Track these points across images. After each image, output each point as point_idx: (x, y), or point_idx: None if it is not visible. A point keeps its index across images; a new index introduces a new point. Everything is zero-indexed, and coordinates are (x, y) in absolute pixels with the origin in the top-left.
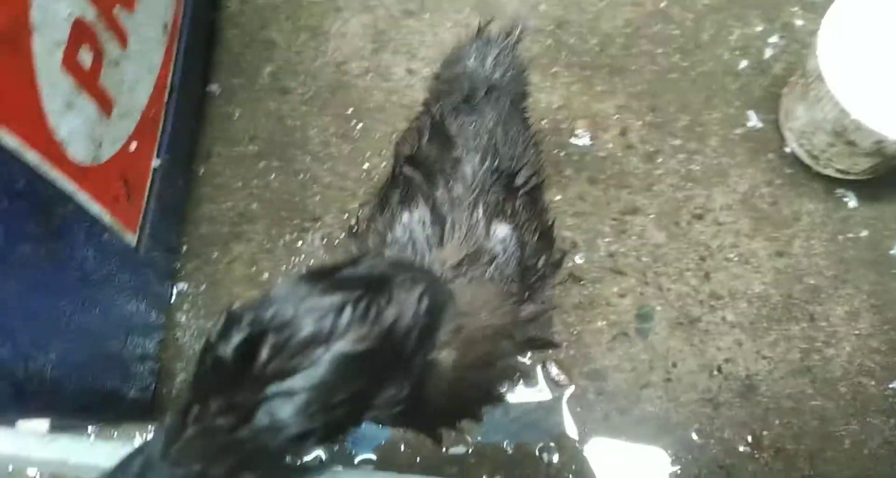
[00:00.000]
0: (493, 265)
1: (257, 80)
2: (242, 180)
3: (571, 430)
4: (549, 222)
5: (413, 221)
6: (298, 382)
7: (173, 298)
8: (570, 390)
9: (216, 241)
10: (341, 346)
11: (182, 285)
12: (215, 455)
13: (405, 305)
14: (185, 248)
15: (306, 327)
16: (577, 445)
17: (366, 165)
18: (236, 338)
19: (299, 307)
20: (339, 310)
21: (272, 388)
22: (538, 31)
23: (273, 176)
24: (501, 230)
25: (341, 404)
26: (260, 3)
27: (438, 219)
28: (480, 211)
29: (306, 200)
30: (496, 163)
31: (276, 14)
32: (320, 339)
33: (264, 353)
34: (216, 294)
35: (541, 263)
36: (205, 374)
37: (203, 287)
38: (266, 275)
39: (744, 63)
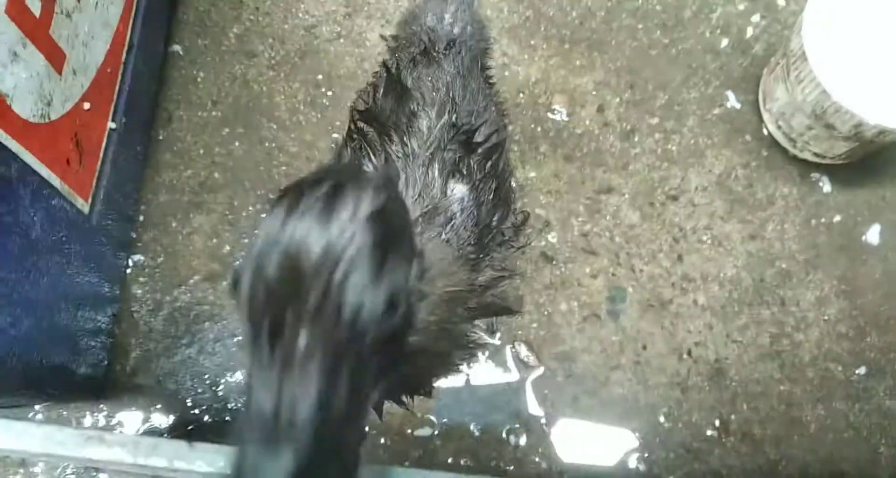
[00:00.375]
0: (450, 226)
1: (223, 41)
2: (205, 147)
3: (539, 412)
4: (509, 183)
5: None
6: None
7: (129, 269)
8: (539, 371)
9: (175, 210)
10: None
11: (138, 257)
12: None
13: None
14: (142, 217)
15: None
16: (544, 427)
17: (335, 135)
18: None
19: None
20: None
21: None
22: (518, 1)
23: (237, 144)
24: (459, 190)
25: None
26: None
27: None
28: (437, 168)
29: (272, 169)
30: (454, 118)
31: None
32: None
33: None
34: (174, 266)
35: (500, 224)
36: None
37: (161, 259)
38: (227, 248)
39: (725, 42)
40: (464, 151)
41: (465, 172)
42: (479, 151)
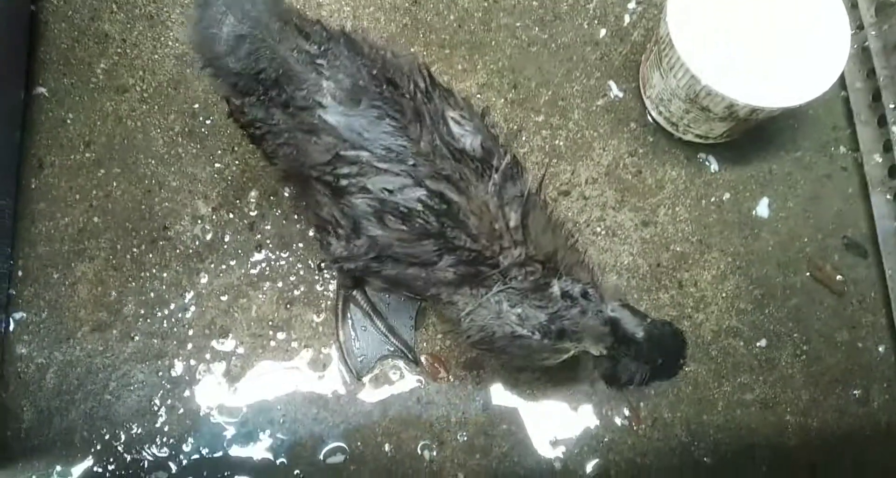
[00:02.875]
0: None
1: (90, 78)
2: (81, 192)
3: (451, 422)
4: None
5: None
6: None
7: (10, 329)
8: (448, 381)
9: (56, 261)
10: None
11: (19, 314)
12: None
13: None
14: (20, 272)
15: None
16: (458, 438)
17: (217, 165)
18: None
19: None
20: None
21: None
22: (394, 9)
23: (115, 184)
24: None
25: None
26: None
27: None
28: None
29: (153, 207)
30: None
31: (108, 2)
32: None
33: None
34: (60, 320)
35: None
36: None
37: (44, 314)
38: (114, 294)
39: (603, 32)
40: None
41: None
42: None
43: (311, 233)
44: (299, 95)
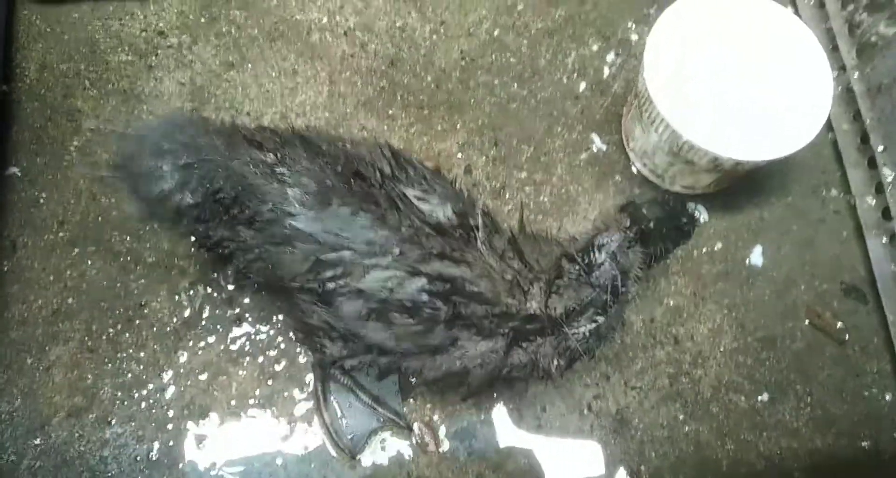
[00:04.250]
0: None
1: (63, 156)
2: (55, 273)
3: None
4: None
5: None
6: None
7: None
8: (439, 453)
9: (29, 346)
10: None
11: None
12: None
13: None
14: None
15: None
16: None
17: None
18: None
19: None
20: None
21: None
22: (371, 73)
23: (89, 263)
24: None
25: None
26: (62, 69)
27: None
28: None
29: (129, 285)
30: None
31: (80, 79)
32: None
33: None
34: (34, 407)
35: None
36: None
37: (17, 401)
38: (90, 378)
39: (583, 85)
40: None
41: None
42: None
43: (293, 337)
44: (264, 209)
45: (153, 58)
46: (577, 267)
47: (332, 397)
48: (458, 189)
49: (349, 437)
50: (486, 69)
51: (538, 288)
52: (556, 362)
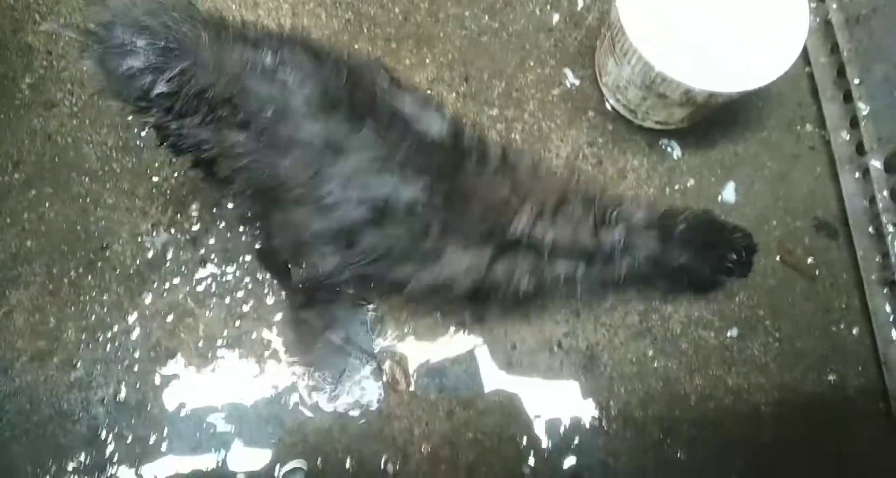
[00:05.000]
0: None
1: (15, 94)
2: (11, 215)
3: (415, 434)
4: None
5: None
6: None
7: None
8: (410, 391)
9: None
10: None
11: None
12: None
13: None
14: None
15: None
16: (422, 450)
17: (155, 178)
18: None
19: None
20: None
21: None
22: (335, 4)
23: (48, 205)
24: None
25: None
26: (9, 2)
27: None
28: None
29: (90, 227)
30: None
31: (30, 13)
32: None
33: None
34: None
35: None
36: None
37: None
38: (53, 321)
39: (556, 17)
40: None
41: None
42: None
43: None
44: (263, 115)
45: None
46: (590, 212)
47: (307, 343)
48: (448, 111)
49: (328, 379)
50: (455, 0)
51: (528, 209)
52: (526, 281)
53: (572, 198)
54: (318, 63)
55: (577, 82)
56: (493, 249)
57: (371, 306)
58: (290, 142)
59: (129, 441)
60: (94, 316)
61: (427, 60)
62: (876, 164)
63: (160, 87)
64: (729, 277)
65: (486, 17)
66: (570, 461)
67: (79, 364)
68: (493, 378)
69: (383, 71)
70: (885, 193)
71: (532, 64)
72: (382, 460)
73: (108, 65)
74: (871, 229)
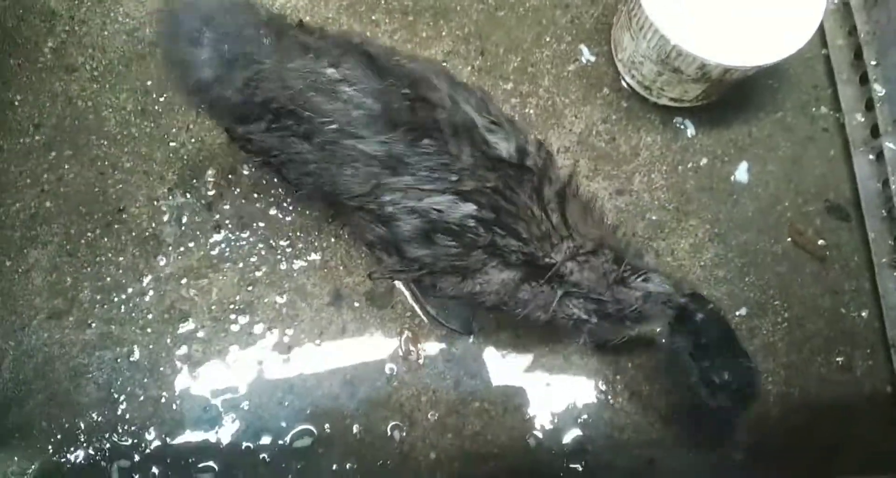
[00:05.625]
0: None
1: (38, 58)
2: (31, 176)
3: (421, 401)
4: None
5: None
6: None
7: None
8: (419, 360)
9: (7, 249)
10: None
11: None
12: None
13: None
14: None
15: None
16: (429, 417)
17: (172, 143)
18: None
19: None
20: None
21: None
22: None
23: (67, 167)
24: None
25: None
26: None
27: None
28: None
29: (107, 190)
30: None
31: None
32: None
33: None
34: (14, 309)
35: None
36: None
37: None
38: (70, 280)
39: None
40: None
41: None
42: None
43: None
44: (327, 129)
45: None
46: (614, 269)
47: (426, 295)
48: (520, 124)
49: (458, 318)
50: None
51: (566, 247)
52: (541, 311)
53: (609, 249)
54: (380, 76)
55: (592, 59)
56: (524, 272)
57: None
58: (351, 155)
59: (140, 400)
60: (109, 277)
61: (444, 33)
62: (891, 146)
63: (228, 96)
64: (712, 396)
65: None
66: (574, 434)
67: (94, 324)
68: (501, 351)
69: (448, 78)
70: None
71: (548, 40)
72: (389, 427)
73: (179, 79)
74: (883, 212)
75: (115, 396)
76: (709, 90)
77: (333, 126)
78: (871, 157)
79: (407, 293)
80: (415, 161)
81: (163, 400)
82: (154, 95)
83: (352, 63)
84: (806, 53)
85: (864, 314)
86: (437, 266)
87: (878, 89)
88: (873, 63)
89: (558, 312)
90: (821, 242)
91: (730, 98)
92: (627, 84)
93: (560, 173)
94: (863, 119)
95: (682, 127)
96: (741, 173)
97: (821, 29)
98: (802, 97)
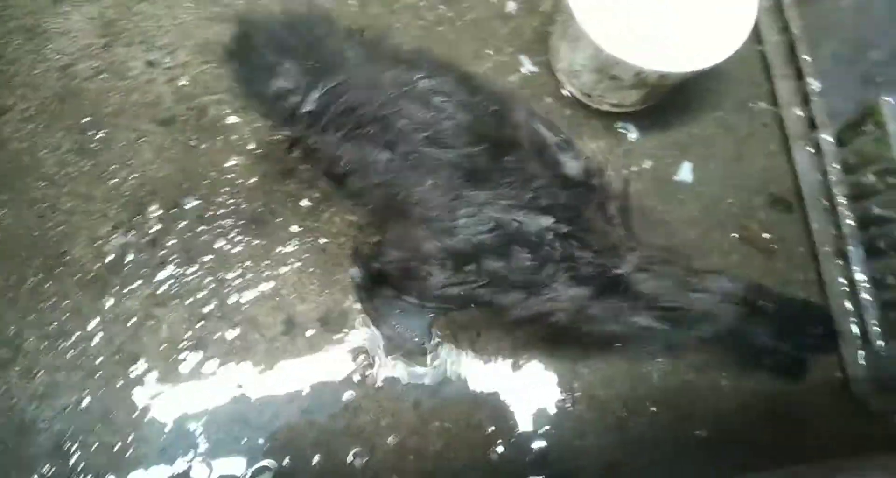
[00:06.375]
0: None
1: None
2: None
3: (380, 426)
4: None
5: None
6: None
7: None
8: (377, 383)
9: None
10: None
11: None
12: None
13: None
14: None
15: None
16: (388, 441)
17: (113, 180)
18: None
19: None
20: None
21: None
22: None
23: (4, 212)
24: None
25: None
26: None
27: None
28: None
29: (48, 232)
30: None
31: None
32: None
33: None
34: None
35: None
36: None
37: None
38: (13, 329)
39: (511, 4)
40: None
41: None
42: None
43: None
44: (417, 136)
45: None
46: (688, 275)
47: (382, 314)
48: (579, 146)
49: (415, 339)
50: None
51: (634, 257)
52: (614, 327)
53: (675, 257)
54: (471, 93)
55: (534, 69)
56: (595, 288)
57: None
58: (436, 166)
59: (93, 449)
60: (54, 323)
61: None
62: (827, 138)
63: (308, 106)
64: (814, 353)
65: (442, 7)
66: (537, 444)
67: (40, 372)
68: (458, 367)
69: (528, 106)
70: (837, 166)
71: (489, 52)
72: (351, 455)
73: (254, 86)
74: (824, 203)
75: (68, 445)
76: (647, 95)
77: (424, 134)
78: (809, 149)
79: (362, 316)
80: (496, 176)
81: (118, 446)
82: (90, 133)
83: (444, 77)
84: (742, 51)
85: None
86: (509, 280)
87: (813, 83)
88: (807, 58)
89: (630, 325)
90: (766, 235)
91: (670, 100)
92: (569, 92)
93: (618, 190)
94: (800, 113)
95: (625, 131)
96: (685, 173)
97: (755, 26)
98: (741, 94)
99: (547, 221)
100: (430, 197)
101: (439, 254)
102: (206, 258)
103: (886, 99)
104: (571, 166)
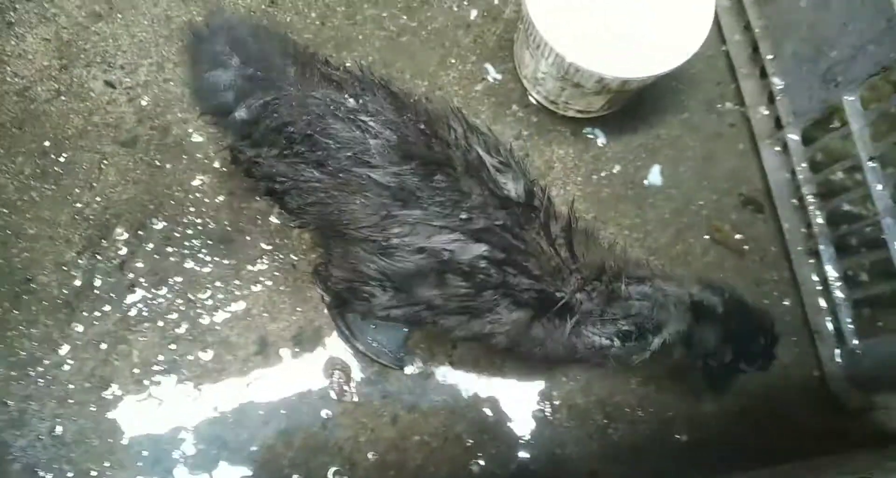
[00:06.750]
0: None
1: None
2: None
3: (359, 442)
4: None
5: None
6: None
7: None
8: (354, 399)
9: None
10: None
11: None
12: None
13: None
14: None
15: None
16: (369, 457)
17: (77, 204)
18: None
19: None
20: None
21: None
22: (251, 13)
23: None
24: None
25: None
26: None
27: None
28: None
29: (12, 259)
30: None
31: None
32: None
33: None
34: None
35: None
36: None
37: None
38: None
39: (474, 13)
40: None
41: None
42: None
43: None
44: (343, 155)
45: (11, 13)
46: (616, 286)
47: (356, 329)
48: (525, 167)
49: (389, 353)
50: (372, 2)
51: (574, 279)
52: (560, 346)
53: (609, 269)
54: (399, 110)
55: (499, 77)
56: (535, 310)
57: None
58: (364, 184)
59: (69, 477)
60: (23, 352)
61: (347, 64)
62: (794, 137)
63: (241, 113)
64: (750, 366)
65: (404, 17)
66: (517, 455)
67: (11, 402)
68: (435, 381)
69: (461, 117)
70: (805, 164)
71: (453, 61)
72: (330, 473)
73: (199, 66)
74: (794, 201)
75: (42, 475)
76: (612, 100)
77: (348, 153)
78: (777, 148)
79: (336, 332)
80: (426, 195)
81: (93, 474)
82: (52, 156)
83: (372, 96)
84: (707, 51)
85: (786, 303)
86: (446, 307)
87: (778, 82)
88: (770, 57)
89: (578, 345)
90: (738, 236)
91: (636, 104)
92: (535, 99)
93: (561, 210)
94: (766, 112)
95: (593, 136)
96: (654, 176)
97: (718, 25)
98: (707, 95)
99: (479, 248)
100: (360, 216)
101: (378, 275)
102: (176, 280)
103: (848, 98)
104: (510, 188)
